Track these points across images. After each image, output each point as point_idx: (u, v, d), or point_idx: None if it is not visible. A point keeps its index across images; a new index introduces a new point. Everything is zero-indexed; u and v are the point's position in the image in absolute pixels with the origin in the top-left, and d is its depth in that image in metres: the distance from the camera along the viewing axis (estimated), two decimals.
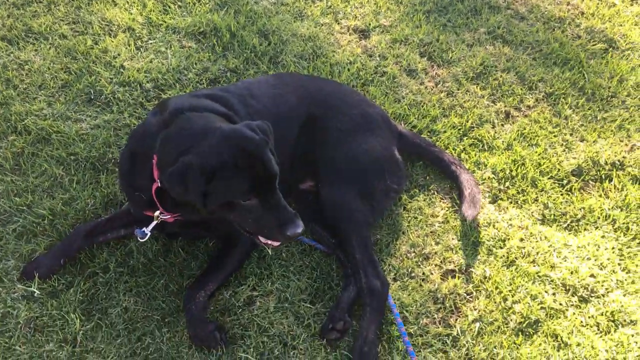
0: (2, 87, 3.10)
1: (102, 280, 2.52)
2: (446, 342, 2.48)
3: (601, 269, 2.73)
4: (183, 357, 2.36)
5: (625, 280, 2.69)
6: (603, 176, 3.07)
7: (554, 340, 2.50)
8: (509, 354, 2.45)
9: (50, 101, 3.10)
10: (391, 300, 2.52)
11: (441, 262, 2.71)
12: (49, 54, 3.29)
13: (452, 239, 2.79)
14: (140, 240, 2.43)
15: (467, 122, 3.23)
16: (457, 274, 2.67)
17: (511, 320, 2.55)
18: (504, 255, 2.74)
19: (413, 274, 2.67)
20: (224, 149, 2.07)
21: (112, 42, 3.39)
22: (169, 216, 2.35)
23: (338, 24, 3.70)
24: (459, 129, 3.20)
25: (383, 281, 2.52)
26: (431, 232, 2.81)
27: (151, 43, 3.45)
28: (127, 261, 2.59)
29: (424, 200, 2.91)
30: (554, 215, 2.91)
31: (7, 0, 3.52)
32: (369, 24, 3.70)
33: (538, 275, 2.69)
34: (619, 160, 3.11)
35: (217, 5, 3.69)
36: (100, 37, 3.41)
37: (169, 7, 3.64)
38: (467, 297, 2.61)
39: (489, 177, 3.02)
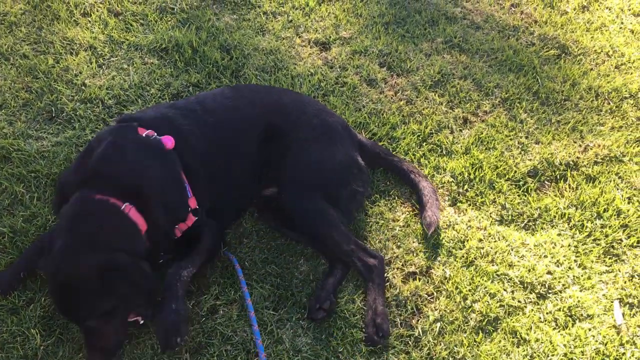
0: None
1: None
2: (408, 343, 2.52)
3: (558, 266, 2.80)
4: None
5: (582, 276, 2.76)
6: (558, 176, 3.15)
7: (513, 337, 2.55)
8: (469, 352, 2.49)
9: (11, 120, 3.11)
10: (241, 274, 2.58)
11: (402, 265, 2.76)
12: (10, 74, 3.30)
13: (413, 242, 2.84)
14: None
15: (426, 128, 3.30)
16: (418, 276, 2.72)
17: (471, 318, 2.60)
18: (463, 256, 2.80)
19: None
20: None
21: (74, 60, 3.41)
22: None
23: (299, 37, 3.77)
24: (419, 136, 3.27)
25: (377, 257, 2.68)
26: (392, 236, 2.86)
27: (113, 60, 3.48)
28: None
29: (385, 205, 2.96)
30: (512, 215, 2.98)
31: None
32: (329, 37, 3.77)
33: (497, 274, 2.75)
34: (573, 161, 3.20)
35: (179, 22, 3.74)
36: (61, 56, 3.44)
37: (131, 25, 3.68)
38: (428, 298, 2.65)
39: (448, 181, 3.08)
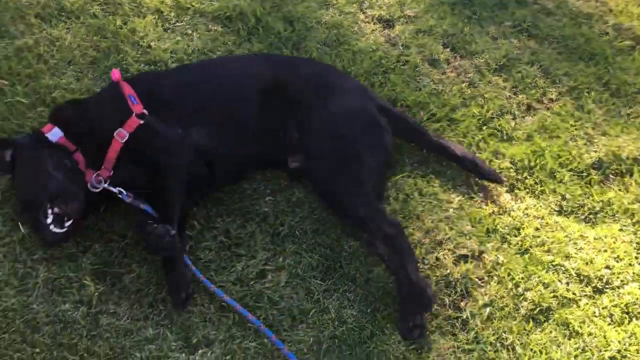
0: (34, 61, 3.19)
1: (117, 246, 2.59)
2: (455, 325, 2.48)
3: (617, 261, 2.70)
4: (193, 325, 2.40)
5: None
6: (624, 170, 3.03)
7: (565, 329, 2.48)
8: (518, 340, 2.44)
9: (79, 76, 3.19)
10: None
11: (454, 247, 2.71)
12: (79, 32, 3.38)
13: (466, 225, 2.79)
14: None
15: (487, 112, 3.22)
16: (469, 259, 2.67)
17: (522, 306, 2.54)
18: (518, 243, 2.73)
19: (426, 260, 2.66)
20: None
21: (141, 22, 3.47)
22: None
23: (363, 13, 3.73)
24: (479, 119, 3.19)
25: (393, 224, 2.57)
26: (445, 217, 2.80)
27: (178, 25, 3.52)
28: None
29: (440, 186, 2.91)
30: (572, 206, 2.89)
31: None
32: (394, 14, 3.71)
33: (552, 264, 2.67)
34: None
35: None
36: (129, 18, 3.50)
37: None
38: (479, 282, 2.60)
39: (506, 167, 3.00)
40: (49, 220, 2.38)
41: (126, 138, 2.52)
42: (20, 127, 2.92)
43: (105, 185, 2.50)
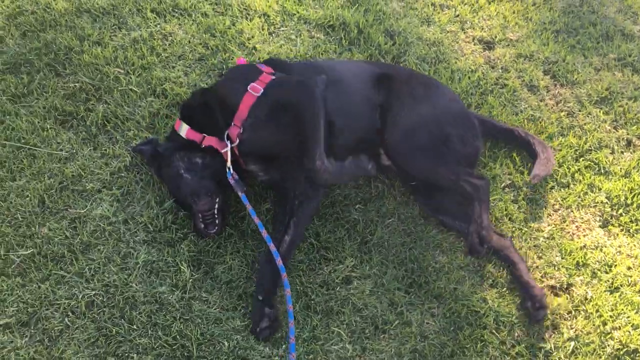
0: (147, 53, 3.37)
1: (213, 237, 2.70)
2: (538, 355, 2.46)
3: None
4: (280, 321, 2.48)
5: None
6: None
7: None
8: None
9: (187, 71, 3.35)
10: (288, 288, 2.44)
11: (542, 276, 2.69)
12: (190, 29, 3.54)
13: (556, 256, 2.76)
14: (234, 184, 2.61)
15: (585, 144, 3.17)
16: (557, 291, 2.64)
17: (608, 345, 2.49)
18: (608, 280, 2.68)
19: (512, 285, 2.66)
20: None
21: (248, 24, 3.60)
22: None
23: (464, 32, 3.74)
24: (576, 150, 3.15)
25: (484, 178, 2.77)
26: (534, 245, 2.79)
27: (283, 30, 3.64)
28: (239, 225, 2.75)
29: (530, 213, 2.89)
30: None
31: None
32: (495, 37, 3.71)
33: None
34: None
35: (349, 2, 3.84)
36: (237, 19, 3.64)
37: None
38: (566, 315, 2.57)
39: (601, 201, 2.95)
40: (201, 225, 2.61)
41: (260, 92, 2.63)
42: (132, 114, 3.09)
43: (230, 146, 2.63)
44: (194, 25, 3.58)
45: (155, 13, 3.62)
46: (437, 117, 2.80)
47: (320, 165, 2.59)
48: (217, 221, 2.62)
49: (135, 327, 2.41)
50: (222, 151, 2.63)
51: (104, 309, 2.45)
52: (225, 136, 2.63)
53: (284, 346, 2.43)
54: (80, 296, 2.47)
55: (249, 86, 2.64)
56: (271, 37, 3.59)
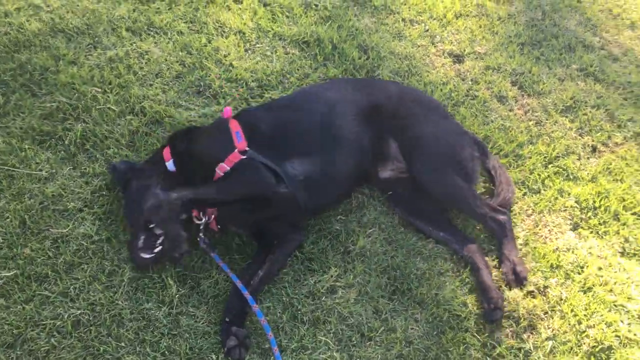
0: (124, 71, 3.39)
1: (197, 252, 2.72)
2: (518, 356, 2.54)
3: None
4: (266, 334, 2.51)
5: None
6: None
7: None
8: None
9: (165, 89, 3.38)
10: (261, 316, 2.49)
11: None
12: (167, 47, 3.58)
13: (531, 260, 2.86)
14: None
15: (554, 151, 3.31)
16: (535, 294, 2.74)
17: (584, 343, 2.59)
18: (581, 281, 2.79)
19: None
20: None
21: (224, 42, 3.66)
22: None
23: (434, 46, 3.87)
24: (545, 157, 3.28)
25: (505, 213, 2.90)
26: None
27: (258, 47, 3.70)
28: (224, 240, 2.78)
29: None
30: (635, 249, 2.94)
31: None
32: (464, 50, 3.84)
33: (614, 304, 2.72)
34: None
35: (322, 19, 3.93)
36: (213, 37, 3.69)
37: (278, 16, 3.90)
38: (543, 316, 2.67)
39: (571, 206, 3.08)
40: (139, 245, 2.57)
41: (225, 171, 2.68)
42: (111, 132, 3.10)
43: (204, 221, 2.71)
44: (170, 43, 3.62)
45: (131, 32, 3.65)
46: (450, 144, 2.95)
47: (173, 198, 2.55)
48: (155, 249, 2.55)
49: (123, 344, 2.41)
50: (196, 222, 2.69)
51: (91, 328, 2.45)
52: (202, 213, 2.69)
53: (272, 358, 2.46)
54: (66, 316, 2.46)
55: (217, 168, 2.68)
56: (247, 54, 3.65)
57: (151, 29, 3.69)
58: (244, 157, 2.68)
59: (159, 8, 3.82)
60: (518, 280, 2.72)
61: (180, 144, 2.80)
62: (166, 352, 2.40)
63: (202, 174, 2.70)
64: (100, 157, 3.01)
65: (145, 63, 3.49)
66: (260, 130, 2.81)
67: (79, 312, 2.47)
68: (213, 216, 2.71)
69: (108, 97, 3.25)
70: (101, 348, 2.39)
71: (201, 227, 2.70)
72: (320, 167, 2.79)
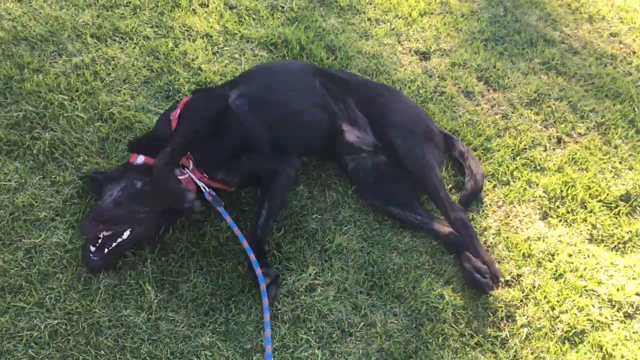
0: (91, 78, 3.36)
1: (174, 257, 2.71)
2: (495, 344, 2.60)
3: None
4: (247, 333, 2.52)
5: None
6: None
7: (599, 351, 2.61)
8: (555, 359, 2.56)
9: (133, 94, 3.35)
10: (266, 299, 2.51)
11: None
12: (133, 52, 3.55)
13: (503, 249, 2.93)
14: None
15: (521, 143, 3.39)
16: (509, 283, 2.80)
17: (558, 328, 2.66)
18: (552, 268, 2.87)
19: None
20: None
21: (191, 45, 3.65)
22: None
23: (400, 45, 3.92)
24: (512, 149, 3.36)
25: (463, 210, 2.92)
26: (484, 242, 2.94)
27: (226, 49, 3.70)
28: (201, 243, 2.78)
29: (478, 213, 3.06)
30: (602, 235, 3.04)
31: (97, 2, 3.81)
32: (430, 47, 3.91)
33: (585, 290, 2.80)
34: None
35: (288, 20, 3.95)
36: (180, 41, 3.68)
37: (244, 18, 3.90)
38: (517, 304, 2.73)
39: (540, 196, 3.16)
40: (91, 249, 2.59)
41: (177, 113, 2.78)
42: (80, 140, 3.06)
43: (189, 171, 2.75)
44: (136, 48, 3.59)
45: (96, 38, 3.61)
46: (420, 118, 3.15)
47: (157, 162, 2.58)
48: (104, 253, 2.58)
49: (102, 352, 2.39)
50: (183, 178, 2.69)
51: (69, 337, 2.41)
52: (181, 166, 2.72)
53: (254, 357, 2.47)
54: (43, 326, 2.42)
55: (170, 115, 2.80)
56: (215, 57, 3.64)
57: (116, 34, 3.66)
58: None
59: (123, 13, 3.78)
60: (493, 279, 2.75)
61: (140, 139, 2.86)
62: (147, 357, 2.38)
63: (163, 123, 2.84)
64: (70, 166, 2.97)
65: (112, 69, 3.45)
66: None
67: (56, 322, 2.44)
68: (191, 163, 2.74)
69: (75, 104, 3.21)
70: (80, 357, 2.36)
71: (194, 179, 2.72)
72: (265, 91, 2.94)
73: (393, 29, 4.03)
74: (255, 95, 2.89)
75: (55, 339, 2.40)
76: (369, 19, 4.07)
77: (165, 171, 2.56)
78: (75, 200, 2.86)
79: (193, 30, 3.76)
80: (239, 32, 3.80)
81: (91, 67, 3.43)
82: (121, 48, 3.59)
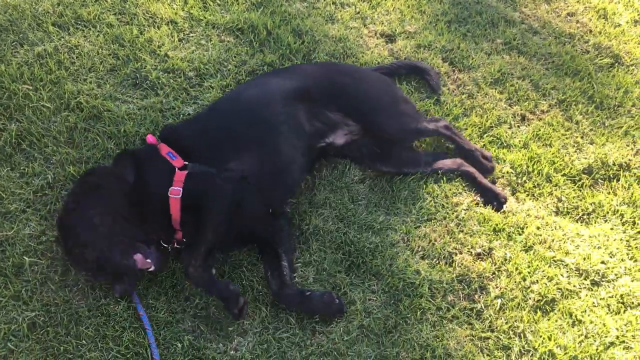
0: (55, 67, 3.29)
1: None
2: (471, 315, 2.69)
3: (611, 257, 2.96)
4: (228, 317, 2.54)
5: (633, 267, 2.92)
6: (611, 176, 3.31)
7: (569, 318, 2.72)
8: (528, 328, 2.66)
9: (100, 83, 3.30)
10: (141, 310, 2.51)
11: (468, 247, 2.92)
12: (97, 40, 3.49)
13: (474, 225, 3.01)
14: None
15: (487, 121, 3.47)
16: (482, 256, 2.89)
17: (530, 298, 2.76)
18: (522, 241, 2.97)
19: (442, 256, 2.87)
20: None
21: (157, 32, 3.60)
22: None
23: (366, 28, 3.95)
24: (479, 127, 3.44)
25: (444, 119, 3.34)
26: (456, 217, 3.02)
27: (192, 36, 3.67)
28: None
29: (450, 190, 3.13)
30: (567, 208, 3.15)
31: None
32: (395, 30, 3.95)
33: (554, 260, 2.91)
34: (625, 162, 3.36)
35: (254, 5, 3.93)
36: (145, 28, 3.62)
37: (209, 4, 3.86)
38: (490, 276, 2.82)
39: (507, 172, 3.25)
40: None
41: (180, 194, 2.53)
42: (47, 130, 3.01)
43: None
44: (100, 36, 3.52)
45: (57, 26, 3.53)
46: (388, 87, 3.29)
47: (193, 271, 2.52)
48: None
49: (83, 342, 2.38)
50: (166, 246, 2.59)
51: (48, 329, 2.39)
52: (174, 244, 2.62)
53: (235, 341, 2.49)
54: (20, 319, 2.40)
55: (169, 192, 2.53)
56: (181, 44, 3.61)
57: (79, 22, 3.58)
58: (187, 171, 2.57)
59: (85, 1, 3.71)
60: (489, 161, 3.22)
61: (125, 171, 2.65)
62: (130, 345, 2.39)
63: (156, 202, 2.56)
64: (38, 156, 2.92)
65: (77, 57, 3.39)
66: (189, 144, 2.70)
67: (34, 314, 2.42)
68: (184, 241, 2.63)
69: (40, 94, 3.14)
70: (61, 348, 2.35)
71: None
72: (260, 157, 2.75)
73: (358, 12, 4.05)
74: (252, 170, 2.70)
75: (35, 331, 2.38)
76: (333, 3, 4.09)
77: (202, 282, 2.53)
78: (47, 191, 2.81)
79: (157, 17, 3.71)
80: (205, 18, 3.77)
81: (54, 56, 3.36)
82: (84, 36, 3.52)
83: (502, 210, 3.07)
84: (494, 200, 3.10)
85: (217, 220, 2.58)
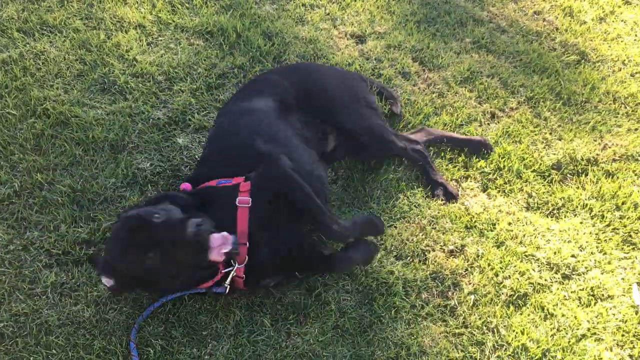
0: (20, 74, 3.23)
1: None
2: (445, 312, 2.70)
3: (581, 250, 3.00)
4: (201, 321, 2.52)
5: (602, 260, 2.97)
6: (580, 170, 3.36)
7: (541, 312, 2.74)
8: (501, 323, 2.68)
9: (67, 88, 3.25)
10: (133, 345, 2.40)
11: (439, 244, 2.94)
12: (63, 46, 3.44)
13: (447, 222, 3.03)
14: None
15: (457, 120, 3.50)
16: (455, 253, 2.91)
17: (503, 293, 2.79)
18: (494, 237, 2.99)
19: (415, 254, 2.88)
20: None
21: (124, 37, 3.57)
22: None
23: (336, 29, 3.96)
24: (450, 126, 3.47)
25: (419, 143, 3.26)
26: (430, 215, 3.04)
27: (161, 40, 3.64)
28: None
29: (423, 189, 3.15)
30: (538, 203, 3.19)
31: None
32: (365, 31, 3.97)
33: (525, 255, 2.94)
34: (593, 157, 3.42)
35: (223, 8, 3.92)
36: (112, 32, 3.59)
37: (177, 7, 3.84)
38: (463, 273, 2.84)
39: (479, 168, 3.28)
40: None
41: (250, 201, 2.46)
42: (13, 138, 2.96)
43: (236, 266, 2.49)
44: (66, 41, 3.48)
45: (22, 32, 3.47)
46: (348, 83, 3.22)
47: (337, 228, 2.56)
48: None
49: (54, 351, 2.34)
50: (224, 271, 2.43)
51: (17, 340, 2.35)
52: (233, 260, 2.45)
53: (209, 345, 2.47)
54: None
55: (236, 201, 2.45)
56: (150, 48, 3.58)
57: (44, 28, 3.53)
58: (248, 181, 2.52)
59: (50, 6, 3.66)
60: (452, 196, 3.13)
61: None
62: (101, 352, 2.35)
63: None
64: (4, 164, 2.87)
65: (43, 63, 3.34)
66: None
67: (2, 324, 2.38)
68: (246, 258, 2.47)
69: (6, 101, 3.09)
70: (31, 358, 2.30)
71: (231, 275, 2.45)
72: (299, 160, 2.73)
73: (328, 13, 4.06)
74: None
75: (3, 342, 2.33)
76: (303, 5, 4.09)
77: (350, 230, 2.62)
78: (13, 200, 2.77)
79: (125, 21, 3.67)
80: (173, 21, 3.74)
81: (20, 62, 3.31)
82: (50, 42, 3.47)
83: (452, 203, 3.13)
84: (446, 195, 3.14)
85: (309, 195, 2.55)
